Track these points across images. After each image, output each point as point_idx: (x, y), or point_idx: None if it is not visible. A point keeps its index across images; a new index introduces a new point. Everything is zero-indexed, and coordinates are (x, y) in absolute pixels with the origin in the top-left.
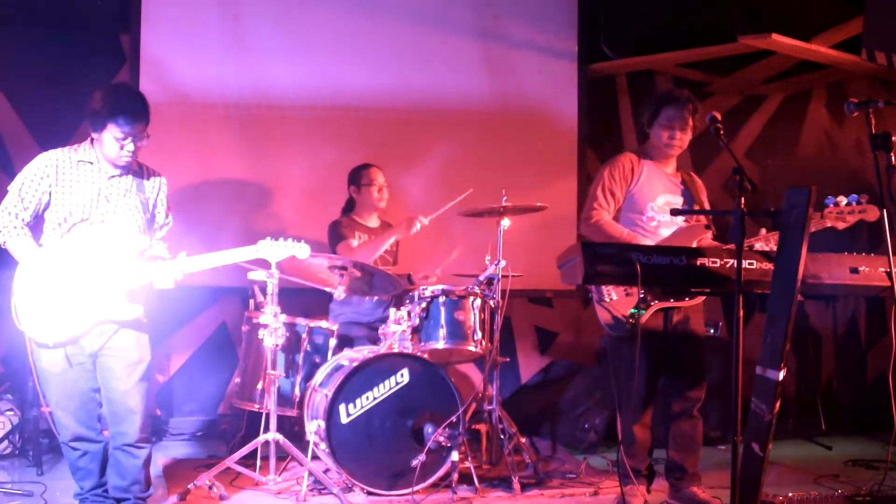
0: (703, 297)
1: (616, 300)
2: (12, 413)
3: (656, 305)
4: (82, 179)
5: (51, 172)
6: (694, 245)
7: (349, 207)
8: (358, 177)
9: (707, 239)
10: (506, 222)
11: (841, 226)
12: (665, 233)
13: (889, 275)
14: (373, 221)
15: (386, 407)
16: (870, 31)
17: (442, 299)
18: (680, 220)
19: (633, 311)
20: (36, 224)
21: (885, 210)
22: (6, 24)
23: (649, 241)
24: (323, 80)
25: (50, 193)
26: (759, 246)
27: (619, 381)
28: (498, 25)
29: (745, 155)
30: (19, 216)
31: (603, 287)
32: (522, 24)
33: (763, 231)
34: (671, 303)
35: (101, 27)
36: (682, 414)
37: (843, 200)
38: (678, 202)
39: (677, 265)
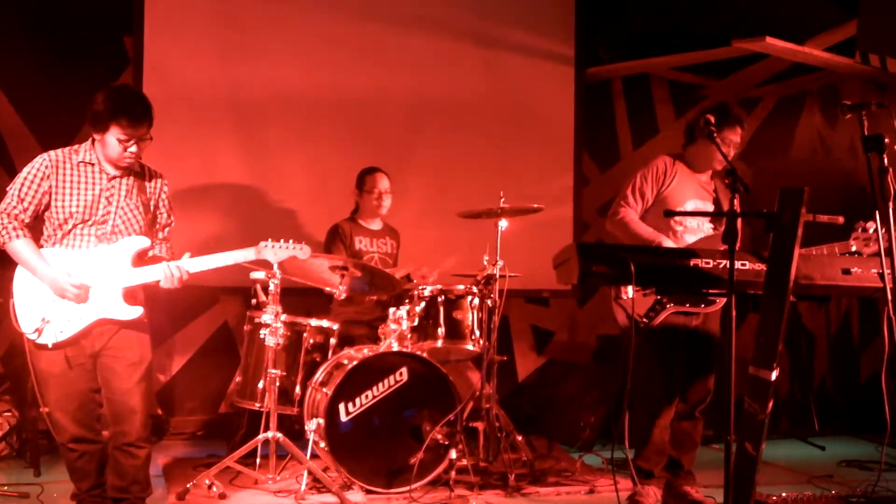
0: (722, 303)
1: (633, 298)
2: (10, 414)
3: (671, 308)
4: (83, 180)
5: (51, 173)
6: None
7: (356, 209)
8: (361, 182)
9: None
10: (503, 223)
11: (866, 251)
12: (690, 239)
13: (881, 276)
14: (375, 225)
15: (385, 405)
16: (864, 33)
17: (440, 299)
18: (708, 227)
19: (648, 310)
20: (36, 225)
21: (876, 211)
22: (9, 26)
23: (672, 245)
24: (323, 82)
25: (50, 194)
26: (854, 247)
27: (635, 380)
28: (497, 30)
29: (738, 157)
30: (19, 217)
31: (621, 285)
32: (521, 28)
33: (861, 229)
34: (687, 307)
35: (105, 29)
36: (685, 413)
37: (871, 227)
38: (708, 209)
39: (670, 265)
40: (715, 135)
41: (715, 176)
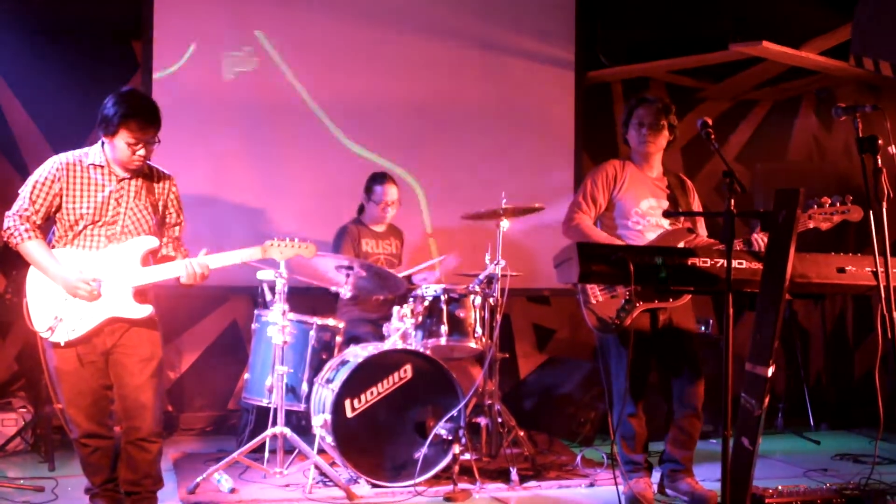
0: (689, 297)
1: (601, 302)
2: (25, 410)
3: (641, 307)
4: (93, 183)
5: (61, 176)
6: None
7: (362, 210)
8: (370, 190)
9: (693, 241)
10: (505, 224)
11: (825, 226)
12: (650, 236)
13: (875, 274)
14: (380, 227)
15: (390, 401)
16: (858, 37)
17: (444, 298)
18: (666, 223)
19: (619, 310)
20: (47, 226)
21: (871, 211)
22: (21, 31)
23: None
24: (328, 86)
25: (61, 196)
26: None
27: (611, 377)
28: (499, 34)
29: (735, 159)
30: (31, 219)
31: (588, 290)
32: (522, 33)
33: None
34: (655, 304)
35: (114, 34)
36: (685, 412)
37: (827, 202)
38: (663, 206)
39: (669, 265)
40: (712, 136)
41: (668, 173)
